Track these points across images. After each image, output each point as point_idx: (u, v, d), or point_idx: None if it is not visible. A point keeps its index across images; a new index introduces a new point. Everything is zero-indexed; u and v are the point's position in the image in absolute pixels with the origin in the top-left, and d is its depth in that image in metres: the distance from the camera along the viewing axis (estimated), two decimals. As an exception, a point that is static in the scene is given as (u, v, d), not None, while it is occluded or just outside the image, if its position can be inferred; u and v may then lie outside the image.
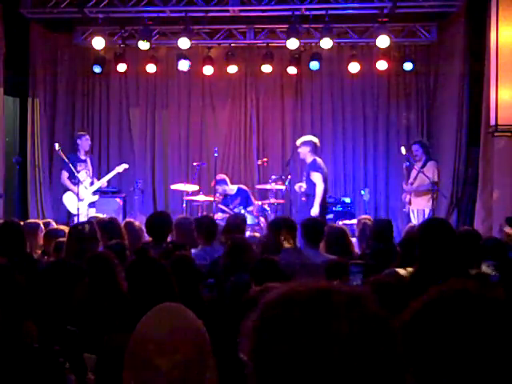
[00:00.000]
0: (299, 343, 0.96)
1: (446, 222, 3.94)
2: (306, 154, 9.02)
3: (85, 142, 9.72)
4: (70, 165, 9.27)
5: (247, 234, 7.49)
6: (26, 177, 10.88)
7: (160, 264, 3.15)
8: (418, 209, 9.48)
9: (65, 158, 9.34)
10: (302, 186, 9.01)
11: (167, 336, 1.72)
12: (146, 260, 3.28)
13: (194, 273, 3.98)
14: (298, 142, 9.25)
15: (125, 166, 9.98)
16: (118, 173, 10.06)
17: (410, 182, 9.59)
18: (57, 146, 9.46)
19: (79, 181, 9.33)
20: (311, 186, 8.86)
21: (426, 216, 9.16)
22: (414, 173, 9.62)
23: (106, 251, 4.09)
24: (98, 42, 10.10)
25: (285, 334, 0.98)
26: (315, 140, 9.22)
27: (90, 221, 5.90)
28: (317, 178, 8.84)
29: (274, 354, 0.97)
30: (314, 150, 9.10)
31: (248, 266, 4.12)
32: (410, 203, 9.62)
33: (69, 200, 9.54)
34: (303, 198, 9.22)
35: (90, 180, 9.67)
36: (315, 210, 8.66)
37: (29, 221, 7.01)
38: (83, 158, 9.70)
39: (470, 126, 10.49)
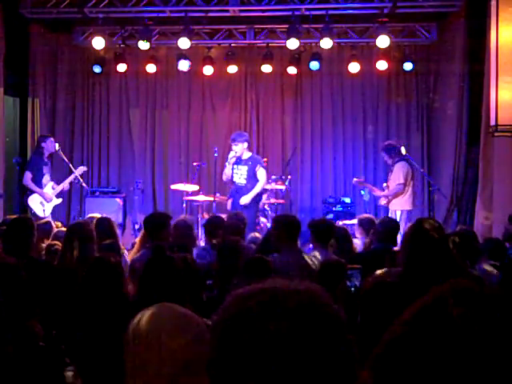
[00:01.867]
0: (243, 346, 0.97)
1: (435, 225, 3.88)
2: (244, 149, 8.99)
3: (50, 145, 9.35)
4: (71, 166, 9.22)
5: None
6: (26, 177, 10.85)
7: (176, 264, 3.16)
8: (391, 209, 9.33)
9: (65, 158, 9.30)
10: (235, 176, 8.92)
11: (167, 332, 1.72)
12: (165, 258, 3.26)
13: (194, 274, 3.97)
14: (234, 137, 9.09)
15: (83, 168, 9.67)
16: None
17: (386, 186, 9.44)
18: (57, 145, 9.41)
19: (44, 183, 9.11)
20: (253, 181, 8.84)
21: (398, 217, 9.02)
22: (389, 176, 9.47)
23: (110, 255, 4.00)
24: (98, 42, 10.10)
25: (230, 338, 0.99)
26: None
27: (87, 221, 5.86)
28: (263, 175, 8.90)
29: (222, 358, 0.98)
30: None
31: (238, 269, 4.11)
32: (387, 204, 9.47)
33: (34, 202, 9.15)
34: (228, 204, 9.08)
35: (51, 183, 9.37)
36: (246, 200, 8.66)
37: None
38: (46, 160, 9.47)
39: (470, 125, 10.49)
